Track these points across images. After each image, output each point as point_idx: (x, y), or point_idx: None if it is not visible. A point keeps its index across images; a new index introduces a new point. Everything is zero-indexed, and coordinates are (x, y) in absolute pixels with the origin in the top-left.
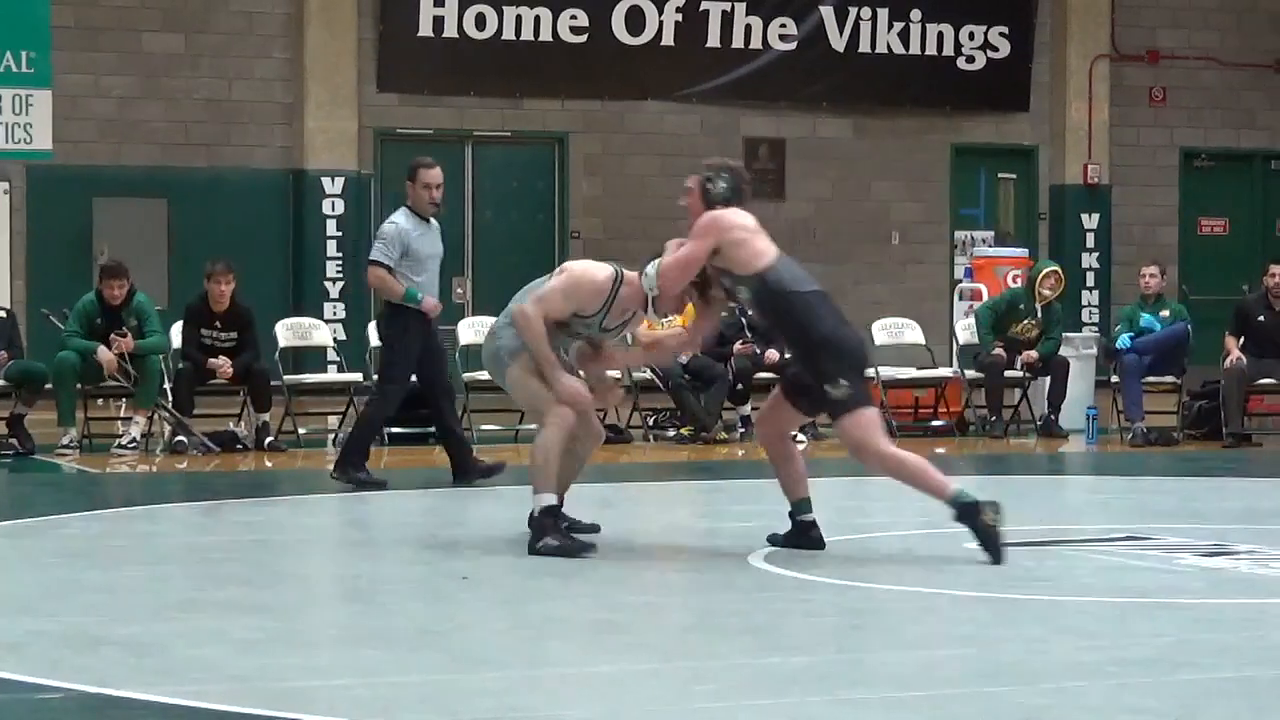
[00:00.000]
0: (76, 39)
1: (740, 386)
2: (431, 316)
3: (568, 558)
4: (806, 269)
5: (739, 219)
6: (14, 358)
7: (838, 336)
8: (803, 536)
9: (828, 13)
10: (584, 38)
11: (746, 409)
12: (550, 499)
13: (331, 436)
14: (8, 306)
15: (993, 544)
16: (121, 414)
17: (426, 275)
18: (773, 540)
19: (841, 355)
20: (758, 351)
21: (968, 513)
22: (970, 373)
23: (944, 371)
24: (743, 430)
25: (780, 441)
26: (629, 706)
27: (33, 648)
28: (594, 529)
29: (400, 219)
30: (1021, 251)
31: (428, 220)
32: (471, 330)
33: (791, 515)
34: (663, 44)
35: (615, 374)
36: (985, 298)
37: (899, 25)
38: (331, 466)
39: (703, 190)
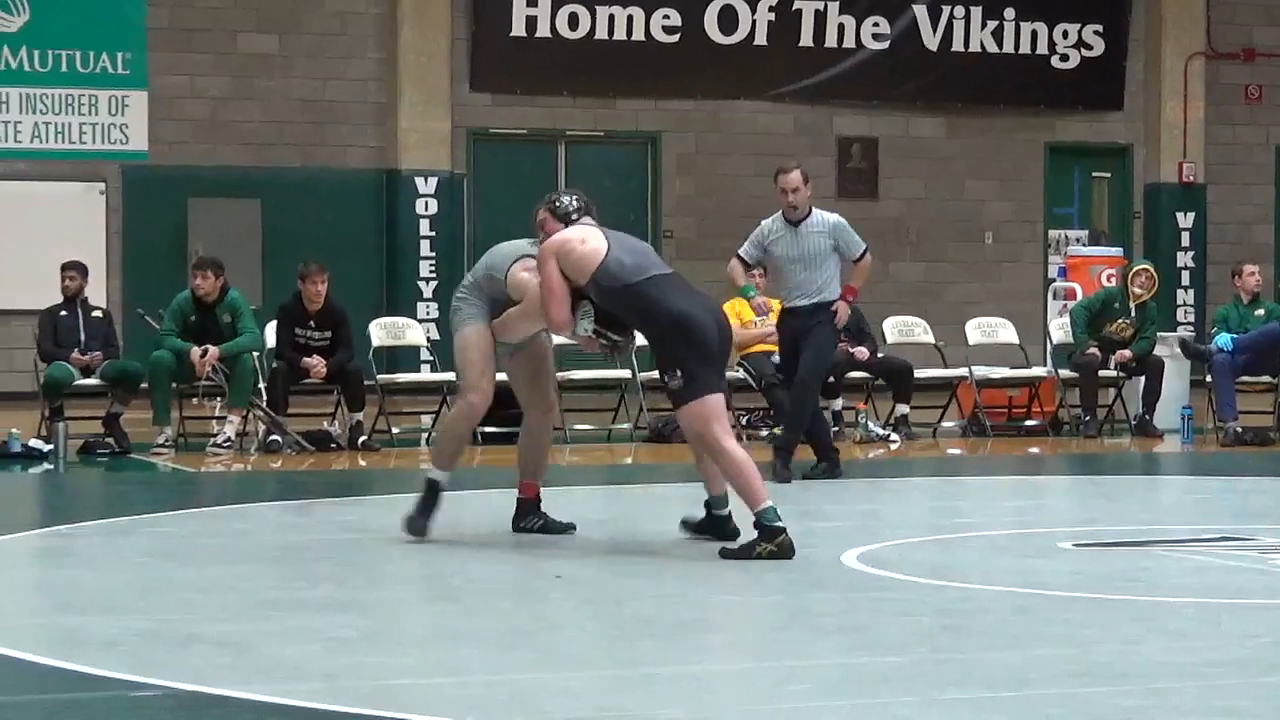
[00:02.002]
0: (172, 40)
1: (831, 381)
2: None
3: (413, 536)
4: (649, 252)
5: (569, 233)
6: (110, 357)
7: (683, 319)
8: (717, 528)
9: (921, 11)
10: (677, 37)
11: (838, 404)
12: (445, 477)
13: (424, 436)
14: (104, 306)
15: (744, 555)
16: (216, 413)
17: None
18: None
19: (689, 338)
20: (850, 350)
21: (764, 533)
22: (1064, 372)
23: (1038, 371)
24: (835, 429)
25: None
26: (720, 706)
27: (127, 645)
28: (569, 529)
29: None
30: (1116, 251)
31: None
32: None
33: (708, 506)
34: (755, 43)
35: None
36: (1079, 297)
37: (992, 24)
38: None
39: (551, 212)
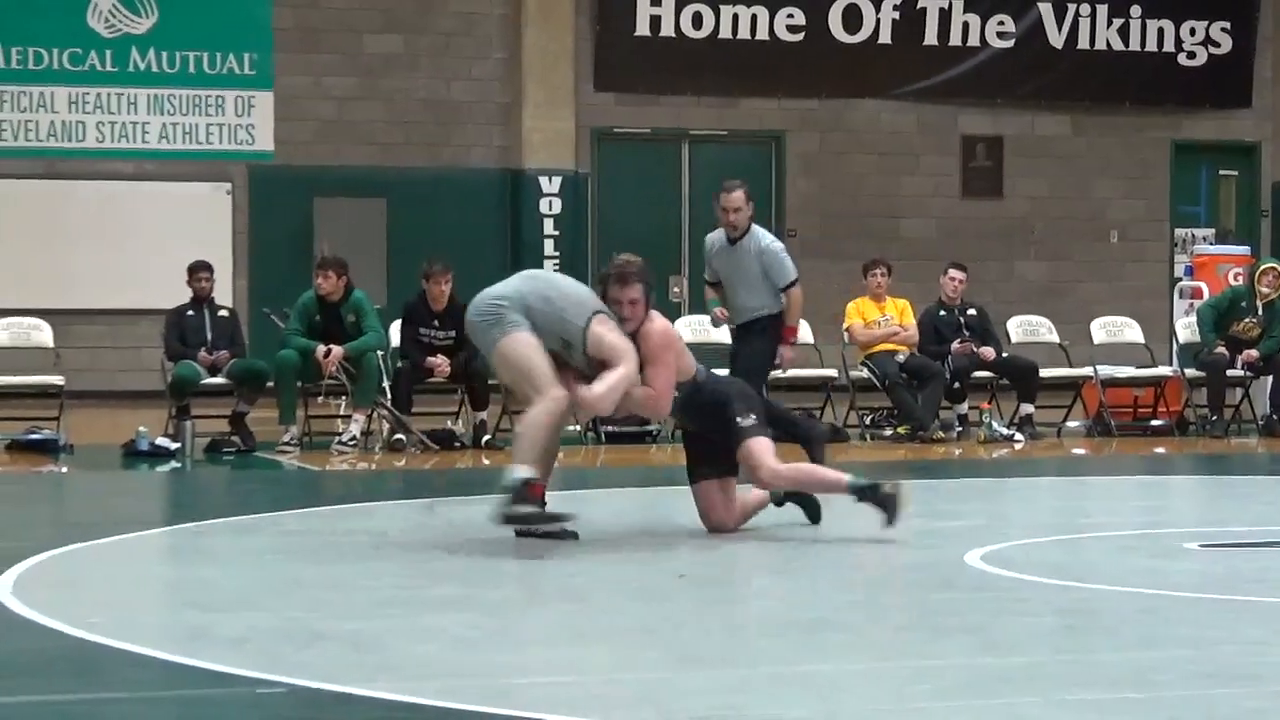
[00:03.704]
0: (297, 40)
1: (957, 385)
2: None
3: (532, 533)
4: None
5: (671, 329)
6: (236, 356)
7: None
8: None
9: (1046, 9)
10: (801, 36)
11: (964, 408)
12: (529, 472)
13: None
14: (230, 305)
15: (891, 510)
16: (341, 412)
17: None
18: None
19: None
20: (974, 350)
21: (870, 494)
22: (1190, 371)
23: (1164, 370)
24: (959, 429)
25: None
26: (845, 706)
27: (254, 643)
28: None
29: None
30: (1243, 249)
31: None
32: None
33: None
34: (880, 42)
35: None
36: (1206, 296)
37: (1118, 21)
38: None
39: (647, 298)
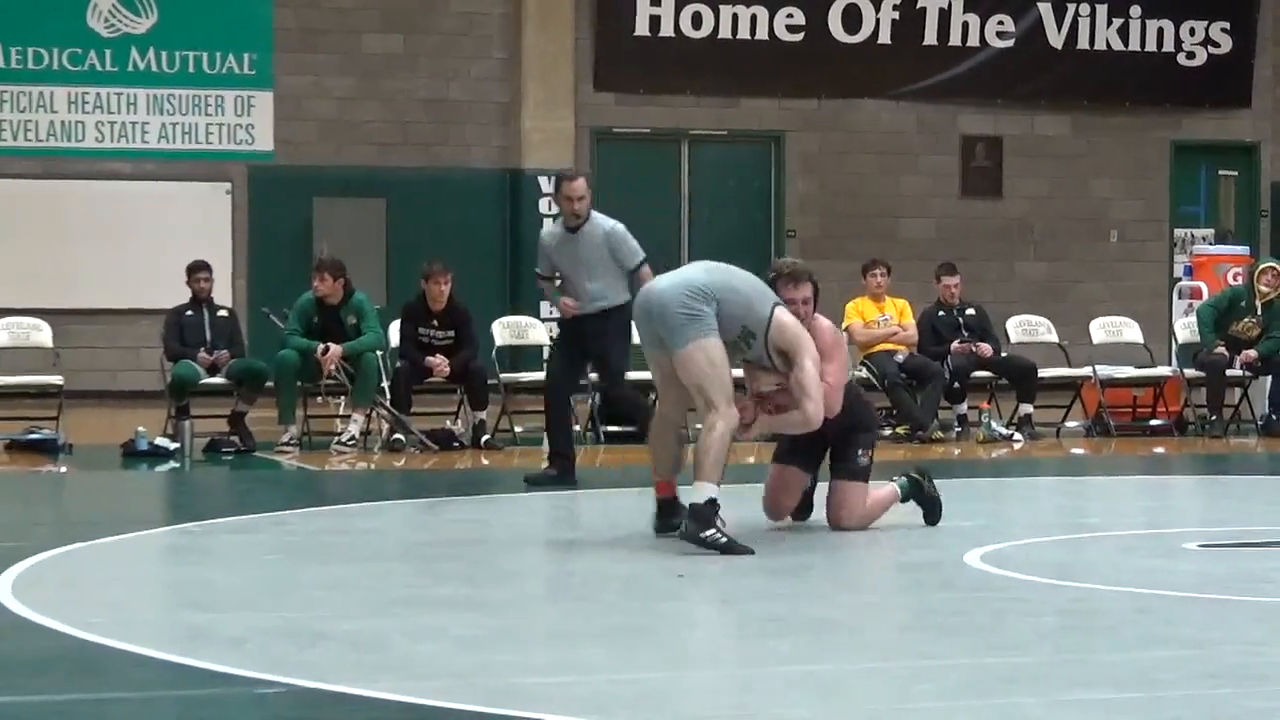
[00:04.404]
0: (297, 40)
1: (956, 385)
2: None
3: (726, 554)
4: None
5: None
6: (236, 356)
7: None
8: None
9: (1046, 9)
10: (801, 36)
11: (963, 408)
12: (715, 490)
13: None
14: (229, 305)
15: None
16: (340, 412)
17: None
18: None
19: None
20: (973, 350)
21: (916, 489)
22: (1190, 371)
23: (1163, 370)
24: (959, 430)
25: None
26: (848, 706)
27: (254, 643)
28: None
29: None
30: (1242, 249)
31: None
32: None
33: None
34: (879, 42)
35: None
36: (1205, 296)
37: (1118, 21)
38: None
39: (815, 298)
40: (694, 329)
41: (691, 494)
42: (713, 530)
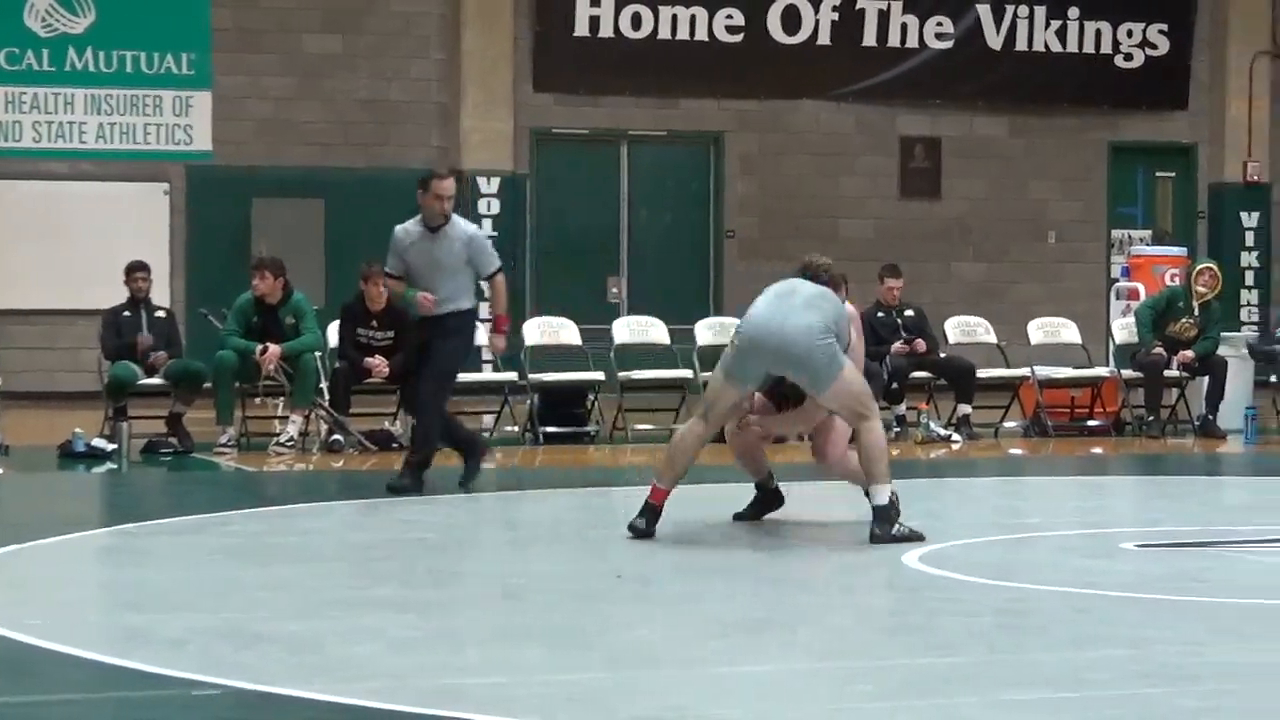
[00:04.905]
0: (236, 40)
1: (895, 386)
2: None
3: (915, 542)
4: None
5: None
6: (173, 357)
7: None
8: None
9: (984, 11)
10: (740, 37)
11: (902, 408)
12: (890, 489)
13: (486, 435)
14: (167, 306)
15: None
16: (279, 413)
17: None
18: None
19: None
20: (909, 348)
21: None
22: (1127, 372)
23: (1100, 371)
24: (897, 430)
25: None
26: (785, 707)
27: (192, 644)
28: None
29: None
30: (1180, 250)
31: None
32: (627, 330)
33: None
34: (819, 43)
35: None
36: (1142, 297)
37: (1056, 23)
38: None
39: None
40: (835, 365)
41: (872, 497)
42: (898, 527)
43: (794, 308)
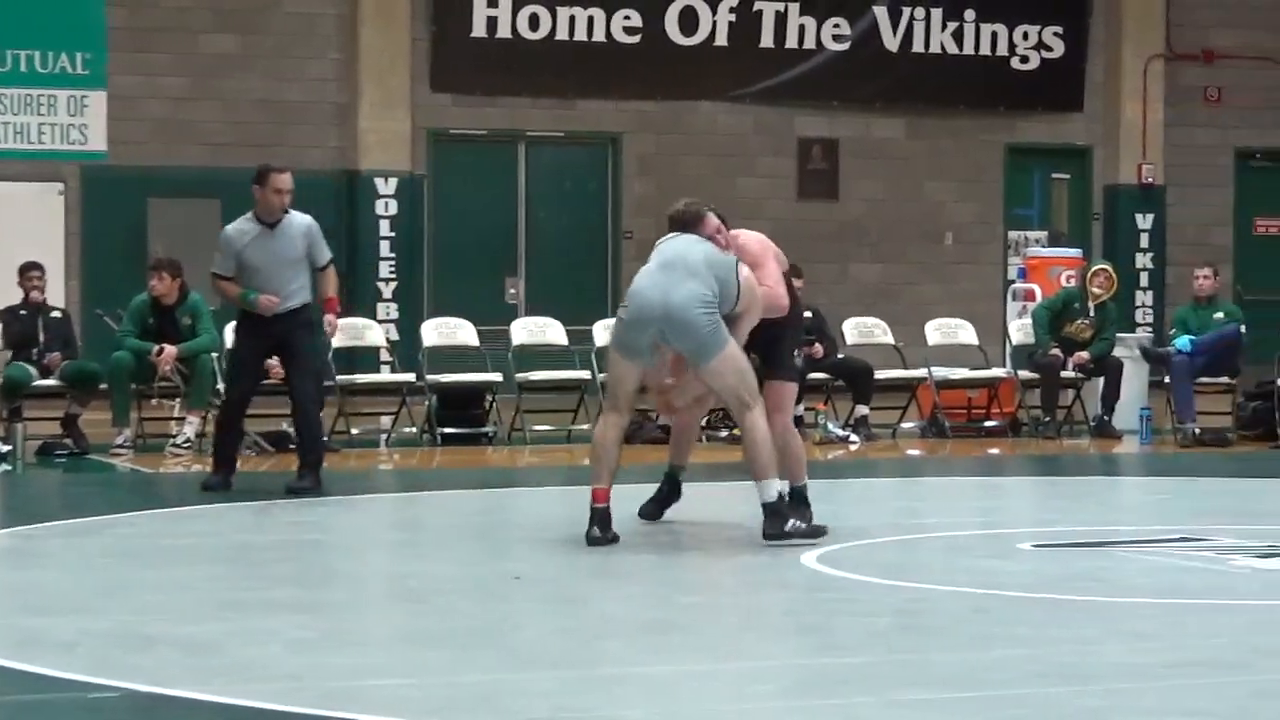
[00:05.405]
0: (131, 40)
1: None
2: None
3: (812, 539)
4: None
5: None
6: (69, 358)
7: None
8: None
9: (881, 13)
10: (637, 38)
11: (799, 409)
12: (780, 485)
13: (384, 436)
14: (63, 307)
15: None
16: (175, 414)
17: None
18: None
19: None
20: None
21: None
22: (1024, 373)
23: (997, 372)
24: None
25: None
26: (683, 707)
27: (86, 647)
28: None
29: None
30: (1075, 252)
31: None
32: (525, 331)
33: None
34: (716, 44)
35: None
36: (1039, 298)
37: (952, 25)
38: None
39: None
40: (720, 336)
41: (761, 493)
42: (791, 522)
43: (679, 277)
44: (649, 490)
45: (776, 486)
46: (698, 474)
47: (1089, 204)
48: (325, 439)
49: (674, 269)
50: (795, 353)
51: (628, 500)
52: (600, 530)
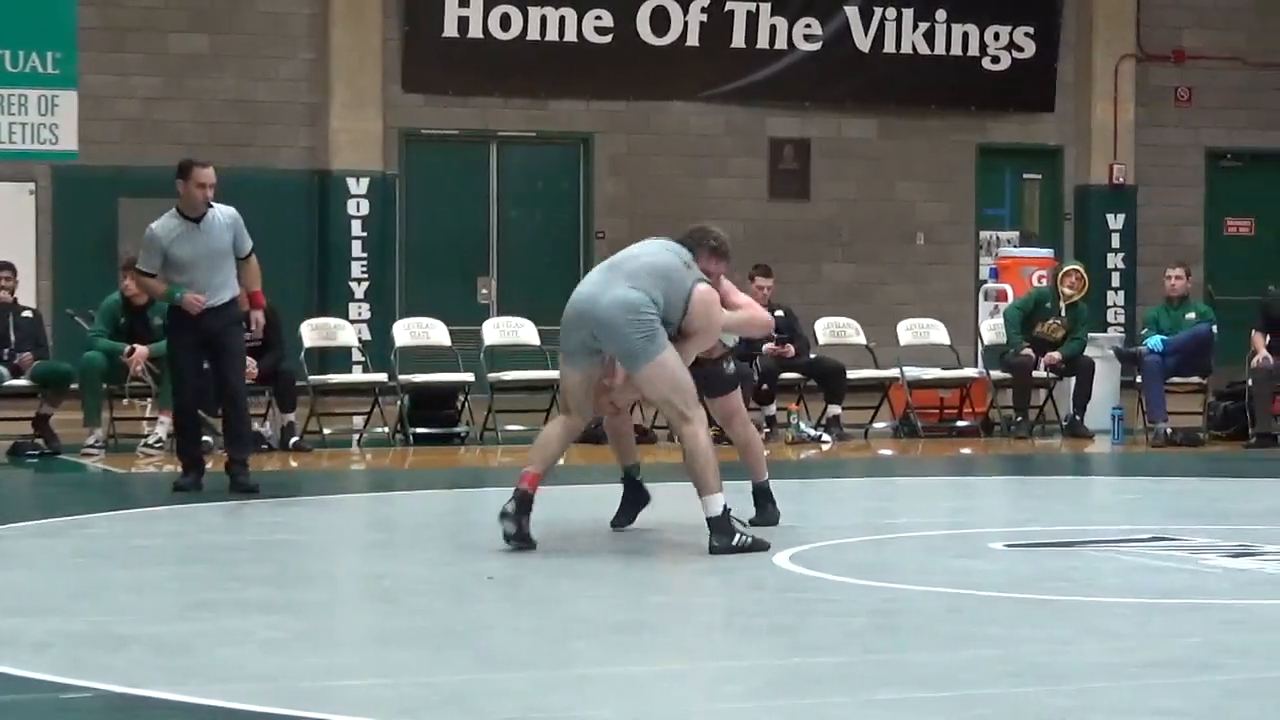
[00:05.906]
0: (102, 39)
1: (765, 387)
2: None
3: (759, 552)
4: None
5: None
6: (40, 358)
7: None
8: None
9: (852, 13)
10: (609, 38)
11: (772, 409)
12: (723, 498)
13: (356, 436)
14: (34, 307)
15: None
16: (147, 414)
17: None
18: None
19: None
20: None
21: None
22: (995, 373)
23: (969, 372)
24: (767, 430)
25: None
26: (655, 707)
27: (58, 647)
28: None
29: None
30: (1046, 252)
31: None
32: (497, 331)
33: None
34: (688, 44)
35: None
36: (1010, 298)
37: (924, 26)
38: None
39: (714, 252)
40: (654, 345)
41: (706, 508)
42: (739, 536)
43: (616, 280)
44: (617, 490)
45: (721, 500)
46: (667, 474)
47: (1060, 204)
48: (297, 439)
49: (616, 270)
50: (725, 362)
51: (600, 503)
52: (515, 509)
